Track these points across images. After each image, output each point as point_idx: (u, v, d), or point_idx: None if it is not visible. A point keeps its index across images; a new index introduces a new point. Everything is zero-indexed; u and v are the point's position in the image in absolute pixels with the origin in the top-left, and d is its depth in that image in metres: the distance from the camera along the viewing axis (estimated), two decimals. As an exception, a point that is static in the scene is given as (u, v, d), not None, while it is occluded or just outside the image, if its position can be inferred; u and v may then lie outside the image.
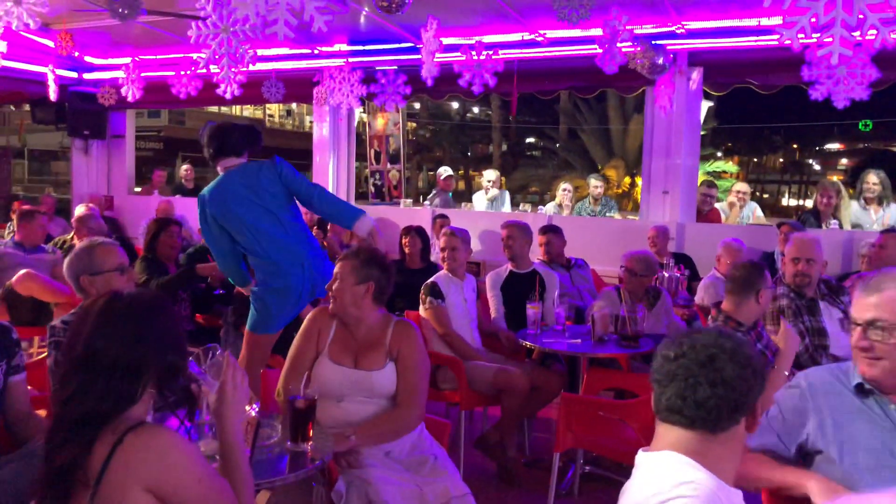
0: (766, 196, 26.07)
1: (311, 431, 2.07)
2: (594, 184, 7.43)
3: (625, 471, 3.20)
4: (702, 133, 6.51)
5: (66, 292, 4.83)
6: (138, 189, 9.69)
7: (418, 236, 5.03)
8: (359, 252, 2.52)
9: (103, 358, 1.45)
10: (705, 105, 6.37)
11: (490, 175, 7.78)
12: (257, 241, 3.23)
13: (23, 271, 4.87)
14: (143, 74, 6.75)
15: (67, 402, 1.43)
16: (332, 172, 7.82)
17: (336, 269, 2.50)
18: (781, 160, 26.77)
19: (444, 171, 8.05)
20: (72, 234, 5.57)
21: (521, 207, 7.47)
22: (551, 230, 5.17)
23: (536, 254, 5.45)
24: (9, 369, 2.21)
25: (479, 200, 7.82)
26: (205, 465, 1.47)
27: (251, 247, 3.26)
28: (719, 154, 23.39)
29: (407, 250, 5.01)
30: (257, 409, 2.08)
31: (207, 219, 3.28)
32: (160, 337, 1.51)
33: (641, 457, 1.35)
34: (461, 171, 32.42)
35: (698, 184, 6.52)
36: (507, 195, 7.89)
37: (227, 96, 3.74)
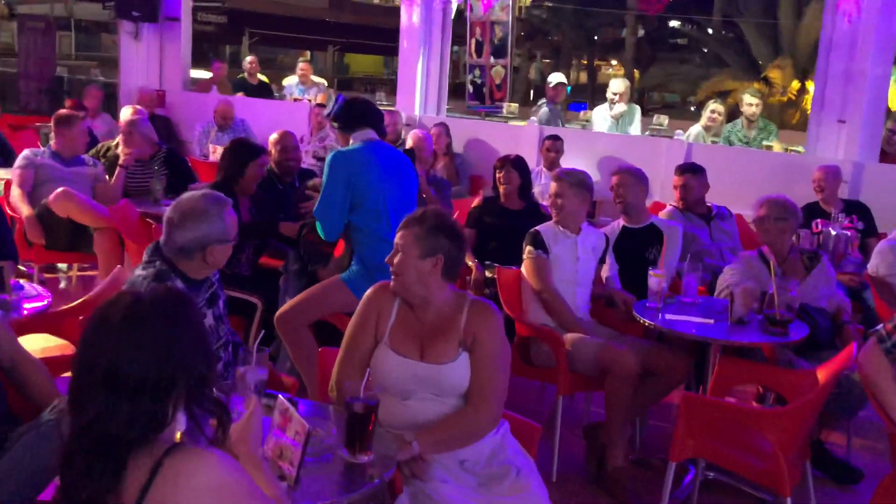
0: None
1: (372, 440, 2.09)
2: (749, 101, 6.99)
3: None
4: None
5: (106, 215, 5.09)
6: (196, 74, 9.97)
7: (515, 169, 4.93)
8: (424, 217, 2.51)
9: (128, 378, 1.47)
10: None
11: (616, 86, 7.49)
12: (389, 217, 3.72)
13: (60, 189, 5.14)
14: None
15: (88, 426, 1.46)
16: (421, 65, 7.74)
17: (397, 239, 2.52)
18: None
19: (555, 78, 7.83)
20: (117, 140, 5.79)
21: (655, 121, 7.19)
22: (690, 170, 4.97)
23: (670, 197, 5.26)
24: None
25: (601, 117, 7.61)
26: (254, 489, 1.51)
27: (377, 221, 3.73)
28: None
29: (502, 188, 4.91)
30: (303, 408, 2.13)
31: (346, 177, 3.72)
32: (190, 347, 1.53)
33: None
34: (584, 60, 31.37)
35: (886, 113, 6.05)
36: (638, 113, 7.62)
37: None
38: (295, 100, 8.93)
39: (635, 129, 7.49)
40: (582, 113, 8.65)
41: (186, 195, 2.60)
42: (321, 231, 3.82)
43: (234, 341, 2.83)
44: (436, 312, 2.50)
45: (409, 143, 5.89)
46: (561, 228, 3.97)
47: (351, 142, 3.87)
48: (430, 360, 2.45)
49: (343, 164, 3.76)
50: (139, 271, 2.54)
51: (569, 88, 7.88)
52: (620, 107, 7.44)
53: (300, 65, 9.76)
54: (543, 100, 7.85)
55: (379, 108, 4.03)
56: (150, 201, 5.36)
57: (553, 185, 4.01)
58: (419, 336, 2.49)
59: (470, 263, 4.66)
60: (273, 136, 5.01)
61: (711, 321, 3.57)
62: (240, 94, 9.14)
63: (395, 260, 2.50)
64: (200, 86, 9.56)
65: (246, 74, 9.75)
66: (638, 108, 7.71)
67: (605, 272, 4.23)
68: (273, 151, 4.94)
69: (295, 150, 4.98)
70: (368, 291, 2.60)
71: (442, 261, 2.47)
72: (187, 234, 2.50)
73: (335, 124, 3.95)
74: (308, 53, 26.86)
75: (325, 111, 4.17)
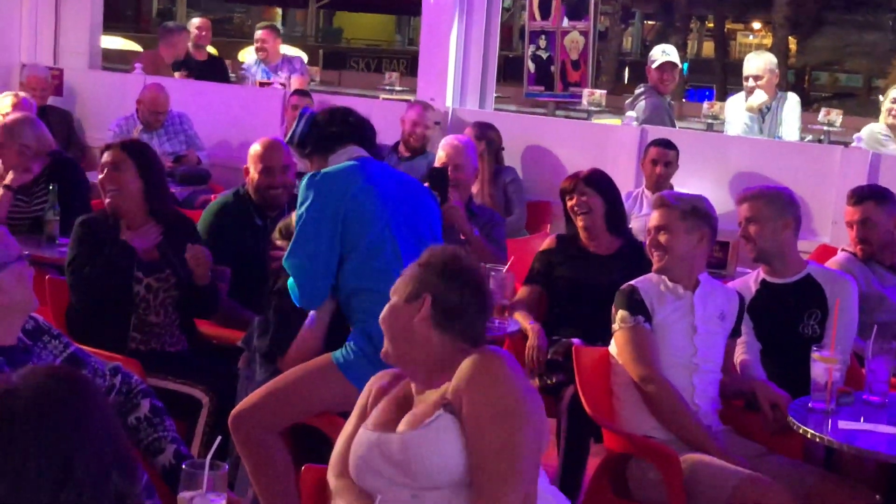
0: None
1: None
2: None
3: None
4: None
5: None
6: (111, 43, 10.10)
7: (596, 190, 4.96)
8: (423, 256, 2.87)
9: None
10: None
11: (757, 64, 7.55)
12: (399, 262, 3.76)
13: None
14: None
15: None
16: (456, 32, 7.89)
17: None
18: None
19: (662, 52, 7.87)
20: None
21: (821, 118, 7.21)
22: (874, 196, 4.98)
23: (839, 237, 5.25)
24: None
25: (735, 112, 7.68)
26: None
27: (385, 277, 3.67)
28: None
29: (579, 220, 4.95)
30: None
31: (332, 211, 3.85)
32: (92, 457, 1.58)
33: None
34: (709, 23, 31.41)
35: None
36: (794, 104, 7.64)
37: None
38: (261, 84, 9.10)
39: (790, 129, 7.53)
40: (706, 105, 8.65)
41: None
42: (296, 296, 3.91)
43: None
44: (428, 375, 2.73)
45: (440, 158, 5.85)
46: (668, 282, 4.00)
47: (333, 161, 4.06)
48: (399, 430, 2.65)
49: (327, 190, 3.88)
50: None
51: (685, 67, 7.91)
52: (763, 95, 7.49)
53: (259, 33, 9.85)
54: (645, 85, 7.93)
55: (368, 122, 4.19)
56: (40, 240, 5.49)
57: (655, 215, 4.05)
58: (405, 409, 2.72)
59: (525, 326, 4.70)
60: (255, 148, 5.09)
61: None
62: (178, 75, 9.32)
63: (381, 316, 2.82)
64: (118, 60, 9.76)
65: (191, 46, 9.94)
66: (795, 98, 7.75)
67: (739, 353, 4.23)
68: (252, 170, 5.05)
69: (285, 171, 5.05)
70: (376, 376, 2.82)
71: (429, 303, 2.72)
72: None
73: (301, 150, 4.14)
74: (278, 12, 27.15)
75: (287, 135, 4.29)
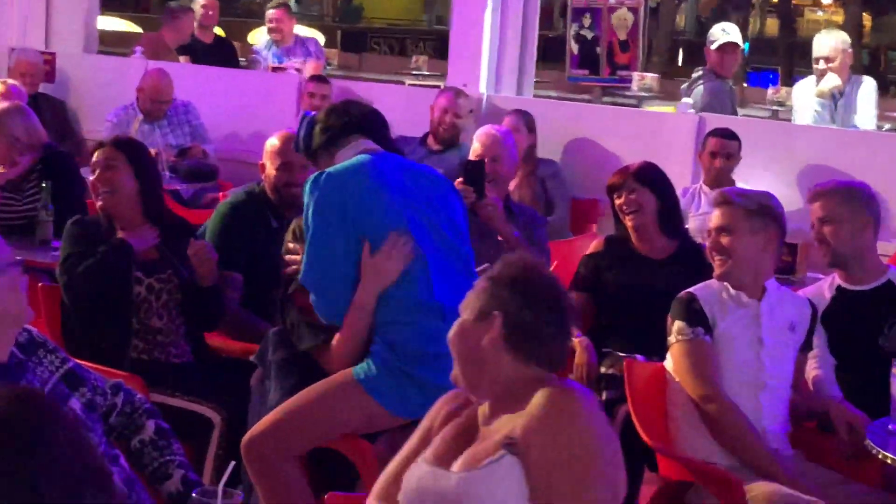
0: None
1: None
2: None
3: None
4: None
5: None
6: (108, 24, 10.15)
7: (647, 186, 4.94)
8: (493, 270, 2.81)
9: None
10: None
11: (825, 44, 7.50)
12: (429, 269, 3.87)
13: None
14: None
15: None
16: (490, 8, 7.91)
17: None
18: None
19: (722, 31, 7.85)
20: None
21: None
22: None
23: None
24: None
25: (803, 98, 7.67)
26: None
27: (409, 279, 3.86)
28: None
29: (628, 220, 4.94)
30: None
31: (341, 212, 3.87)
32: (60, 478, 1.62)
33: None
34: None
35: None
36: (870, 89, 7.60)
37: None
38: (274, 69, 9.12)
39: (866, 116, 7.50)
40: (770, 90, 8.63)
41: None
42: (320, 312, 3.94)
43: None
44: (495, 404, 2.70)
45: (475, 150, 5.84)
46: (730, 289, 3.99)
47: (340, 157, 4.08)
48: (458, 469, 2.62)
49: (331, 191, 3.91)
50: None
51: (746, 47, 7.89)
52: (835, 79, 7.46)
53: (271, 12, 9.90)
54: (703, 68, 7.92)
55: (375, 110, 4.25)
56: (32, 243, 5.53)
57: (716, 214, 4.04)
58: (468, 442, 2.68)
59: (572, 340, 4.69)
60: (272, 142, 5.11)
61: None
62: (183, 60, 9.36)
63: (448, 336, 2.79)
64: (117, 44, 9.81)
65: (196, 26, 9.97)
66: (871, 82, 7.71)
67: (812, 369, 4.23)
68: (269, 166, 5.07)
69: (305, 167, 5.06)
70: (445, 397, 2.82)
71: (499, 322, 2.67)
72: None
73: (307, 153, 4.20)
74: (292, -13, 27.33)
75: (294, 144, 4.36)
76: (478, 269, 4.45)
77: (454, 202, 4.15)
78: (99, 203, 4.56)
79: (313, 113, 4.24)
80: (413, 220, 3.91)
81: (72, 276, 4.44)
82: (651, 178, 5.00)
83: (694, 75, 7.96)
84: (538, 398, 2.59)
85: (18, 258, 2.94)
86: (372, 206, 3.88)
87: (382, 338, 3.86)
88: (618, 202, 4.98)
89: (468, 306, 2.78)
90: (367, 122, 4.12)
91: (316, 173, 3.97)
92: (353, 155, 3.99)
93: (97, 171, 4.55)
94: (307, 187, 3.93)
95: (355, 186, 3.89)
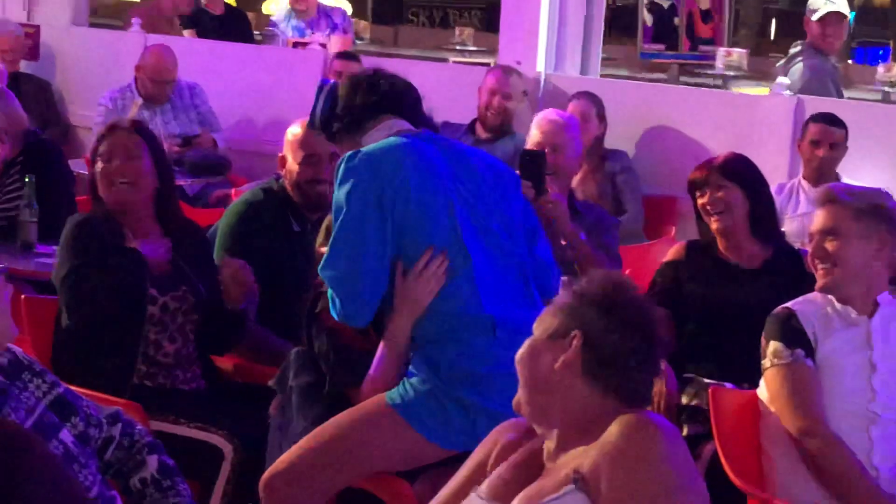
0: None
1: None
2: None
3: None
4: None
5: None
6: None
7: (735, 182, 4.91)
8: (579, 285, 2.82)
9: None
10: None
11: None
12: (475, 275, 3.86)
13: None
14: None
15: None
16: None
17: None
18: None
19: (825, 0, 7.81)
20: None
21: None
22: None
23: None
24: None
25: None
26: None
27: (455, 286, 3.85)
28: None
29: (714, 222, 4.93)
30: None
31: (376, 198, 3.86)
32: None
33: None
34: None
35: None
36: None
37: None
38: (294, 44, 9.16)
39: None
40: (881, 68, 8.60)
41: None
42: (337, 311, 3.91)
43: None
44: (564, 437, 2.70)
45: (534, 138, 5.84)
46: (836, 304, 3.99)
47: (369, 140, 4.07)
48: (497, 498, 2.68)
49: (370, 174, 3.88)
50: None
51: (852, 18, 7.86)
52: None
53: None
54: (802, 42, 7.90)
55: (408, 84, 4.21)
56: (15, 247, 5.57)
57: (819, 215, 4.04)
58: (530, 478, 2.69)
59: None
60: (293, 131, 5.11)
61: None
62: (188, 33, 9.41)
63: (517, 355, 2.78)
64: (110, 14, 9.88)
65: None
66: None
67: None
68: (290, 159, 5.08)
69: (332, 160, 5.07)
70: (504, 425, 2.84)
71: (578, 343, 2.67)
72: None
73: (326, 132, 4.18)
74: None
75: (309, 119, 4.31)
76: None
77: (512, 194, 4.12)
78: (112, 197, 4.52)
79: (332, 81, 4.24)
80: (462, 216, 3.90)
81: (76, 293, 4.42)
82: (741, 172, 4.98)
83: (791, 51, 7.96)
84: (613, 429, 2.58)
85: (2, 266, 2.96)
86: (415, 199, 3.85)
87: (423, 358, 3.86)
88: (701, 201, 4.96)
89: (543, 323, 2.78)
90: (397, 98, 4.10)
91: (350, 153, 3.94)
92: (384, 137, 4.00)
93: (116, 159, 4.50)
94: (340, 167, 3.91)
95: (397, 170, 3.86)
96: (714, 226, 4.89)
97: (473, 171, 4.04)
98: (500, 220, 4.01)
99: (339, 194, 3.88)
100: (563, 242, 5.12)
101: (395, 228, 3.84)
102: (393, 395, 3.82)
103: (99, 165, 4.53)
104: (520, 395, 2.76)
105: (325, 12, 9.86)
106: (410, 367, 3.88)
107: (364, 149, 3.92)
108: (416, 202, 3.85)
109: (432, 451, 3.81)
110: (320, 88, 4.18)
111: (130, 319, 4.42)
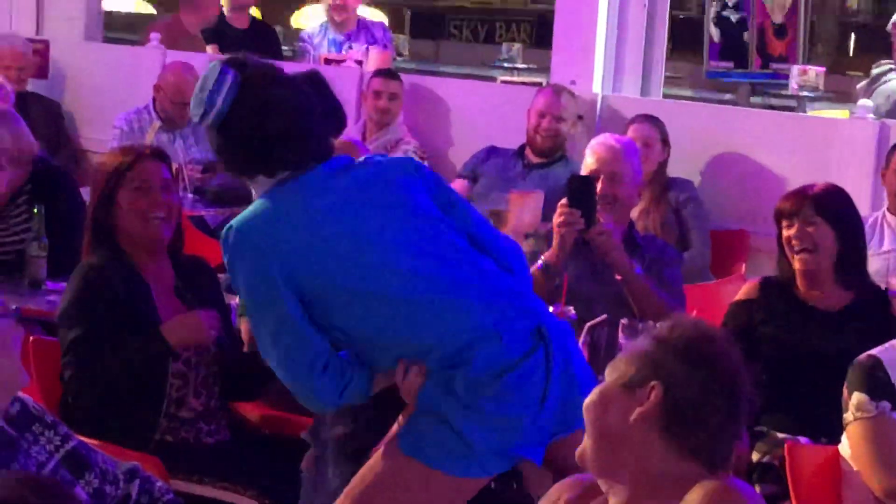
0: None
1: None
2: None
3: None
4: None
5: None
6: (115, 2, 10.27)
7: (826, 218, 4.91)
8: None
9: None
10: None
11: None
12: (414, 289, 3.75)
13: None
14: None
15: None
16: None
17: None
18: None
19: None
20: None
21: None
22: None
23: None
24: None
25: None
26: None
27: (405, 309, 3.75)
28: None
29: (797, 260, 4.92)
30: None
31: (277, 279, 3.77)
32: None
33: None
34: None
35: None
36: None
37: None
38: (327, 60, 9.19)
39: None
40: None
41: None
42: (302, 401, 3.90)
43: None
44: (632, 497, 2.66)
45: (588, 165, 5.82)
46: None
47: (253, 195, 3.99)
48: None
49: (253, 251, 3.81)
50: None
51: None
52: None
53: None
54: (887, 61, 7.91)
55: (321, 82, 4.04)
56: (22, 284, 5.60)
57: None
58: None
59: None
60: None
61: None
62: (211, 49, 9.47)
63: (585, 403, 2.75)
64: (126, 29, 9.95)
65: (226, 8, 10.09)
66: None
67: None
68: None
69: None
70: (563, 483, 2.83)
71: (658, 395, 2.63)
72: None
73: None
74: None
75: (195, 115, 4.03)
76: (590, 323, 4.43)
77: (406, 181, 3.98)
78: (147, 233, 4.52)
79: (232, 73, 3.93)
80: (375, 237, 3.82)
81: (85, 364, 4.39)
82: (835, 209, 4.97)
83: (874, 70, 7.94)
84: (694, 496, 2.56)
85: (13, 307, 2.97)
86: (307, 259, 3.81)
87: (436, 382, 3.81)
88: (787, 233, 4.93)
89: (617, 370, 2.75)
90: (283, 142, 3.89)
91: (225, 228, 3.87)
92: (263, 192, 3.93)
93: (153, 191, 4.50)
94: (227, 239, 3.85)
95: (280, 241, 3.80)
96: (797, 265, 4.87)
97: (379, 199, 3.89)
98: (412, 222, 3.90)
99: (233, 279, 3.89)
100: (618, 278, 5.12)
101: (311, 300, 3.79)
102: (403, 443, 3.79)
103: (126, 197, 4.49)
104: (585, 446, 2.73)
105: (366, 25, 9.88)
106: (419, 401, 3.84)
107: (235, 224, 3.83)
108: (309, 262, 3.79)
109: (468, 485, 3.80)
110: (216, 73, 3.90)
111: (153, 385, 4.42)
